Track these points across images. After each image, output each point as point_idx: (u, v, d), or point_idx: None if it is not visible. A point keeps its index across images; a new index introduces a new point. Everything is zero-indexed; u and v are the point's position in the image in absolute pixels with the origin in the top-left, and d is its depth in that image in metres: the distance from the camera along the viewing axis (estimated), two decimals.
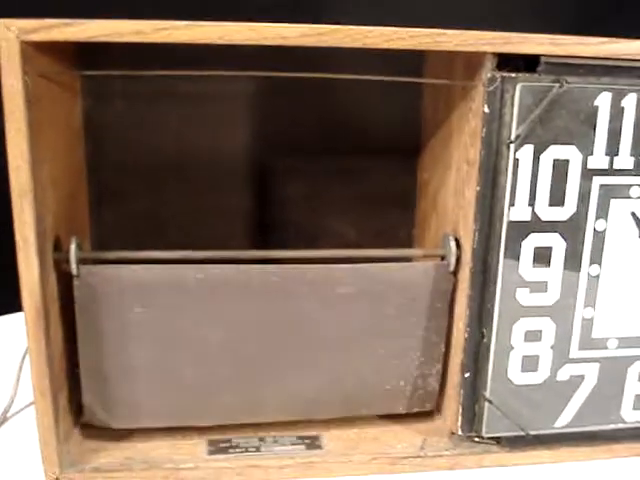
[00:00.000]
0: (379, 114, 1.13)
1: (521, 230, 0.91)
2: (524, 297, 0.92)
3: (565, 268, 0.93)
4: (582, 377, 0.97)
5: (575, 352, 0.96)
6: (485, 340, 0.94)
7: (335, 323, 0.95)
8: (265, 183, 1.15)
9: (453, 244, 0.96)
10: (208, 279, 0.92)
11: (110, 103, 1.09)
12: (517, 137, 0.87)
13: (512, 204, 0.89)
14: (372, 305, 0.95)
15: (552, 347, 0.95)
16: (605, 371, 0.97)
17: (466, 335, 0.94)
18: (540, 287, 0.93)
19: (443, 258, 0.97)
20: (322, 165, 1.13)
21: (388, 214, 1.15)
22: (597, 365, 0.97)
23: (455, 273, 0.96)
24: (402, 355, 0.98)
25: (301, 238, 1.13)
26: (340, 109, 1.12)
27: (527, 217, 0.90)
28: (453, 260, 0.95)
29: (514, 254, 0.91)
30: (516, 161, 0.88)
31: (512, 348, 0.94)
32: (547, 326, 0.94)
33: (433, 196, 1.08)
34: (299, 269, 0.93)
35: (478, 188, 0.90)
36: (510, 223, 0.90)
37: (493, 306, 0.92)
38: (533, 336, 0.94)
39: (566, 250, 0.92)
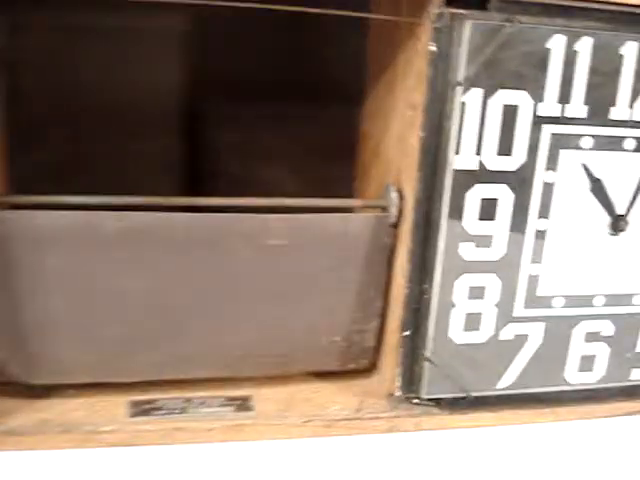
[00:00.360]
0: (321, 57, 1.06)
1: (467, 180, 0.85)
2: (468, 252, 0.87)
3: (512, 222, 0.87)
4: (526, 337, 0.92)
5: (520, 310, 0.91)
6: (426, 296, 0.88)
7: (266, 276, 0.88)
8: (196, 128, 1.07)
9: (395, 195, 0.89)
10: (128, 227, 0.84)
11: (26, 39, 0.99)
12: (465, 79, 0.81)
13: (458, 152, 0.83)
14: (306, 258, 0.88)
15: (496, 305, 0.90)
16: (550, 331, 0.93)
17: (406, 291, 0.89)
18: (485, 242, 0.87)
19: (384, 210, 0.91)
20: (258, 111, 1.06)
21: (328, 164, 1.09)
22: (542, 325, 0.92)
23: (396, 226, 0.90)
24: (337, 310, 0.92)
25: (234, 188, 1.05)
26: (279, 49, 1.05)
27: (473, 166, 0.84)
28: (394, 212, 0.89)
29: (458, 206, 0.85)
30: (463, 105, 0.82)
31: (454, 305, 0.89)
32: (491, 283, 0.89)
33: (375, 145, 1.01)
34: (228, 218, 0.85)
35: (422, 134, 0.83)
36: (455, 172, 0.84)
37: (435, 261, 0.87)
38: (476, 293, 0.89)
39: (514, 203, 0.86)
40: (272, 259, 0.87)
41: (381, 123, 0.99)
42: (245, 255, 0.87)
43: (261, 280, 0.88)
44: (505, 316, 0.91)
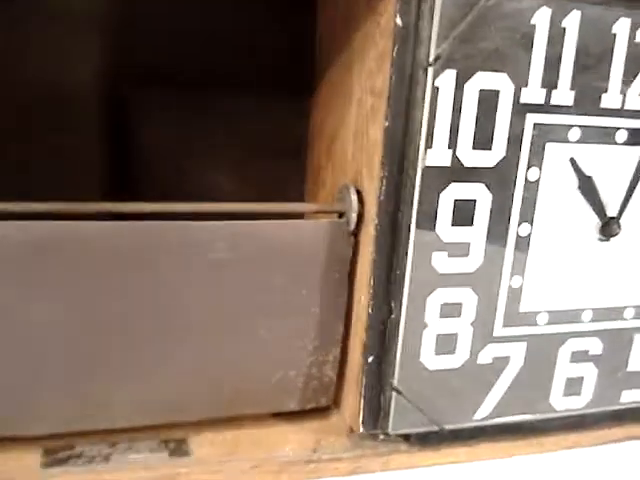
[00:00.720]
0: (263, 40, 0.91)
1: (439, 178, 0.72)
2: (441, 263, 0.74)
3: (490, 227, 0.74)
4: (507, 359, 0.79)
5: (499, 329, 0.78)
6: (393, 316, 0.75)
7: (203, 298, 0.73)
8: (120, 123, 0.91)
9: (354, 197, 0.76)
10: (33, 239, 0.68)
11: None
12: (436, 59, 0.68)
13: (429, 146, 0.70)
14: (251, 274, 0.74)
15: (473, 324, 0.77)
16: (533, 351, 0.80)
17: (370, 310, 0.75)
18: (460, 250, 0.74)
19: (341, 215, 0.77)
20: (191, 103, 0.91)
21: (274, 164, 0.95)
22: (524, 345, 0.79)
23: (356, 234, 0.77)
24: (291, 338, 0.78)
25: (166, 192, 0.91)
26: (212, 31, 0.90)
27: (447, 162, 0.71)
28: (354, 217, 0.75)
29: (430, 209, 0.72)
30: (435, 90, 0.69)
31: (426, 326, 0.75)
32: (467, 298, 0.76)
33: (329, 141, 0.88)
34: (156, 227, 0.70)
35: (387, 124, 0.70)
36: (426, 169, 0.71)
37: (403, 274, 0.73)
38: (451, 311, 0.76)
39: (492, 204, 0.74)
40: (210, 277, 0.73)
41: (336, 114, 0.85)
42: (176, 272, 0.72)
43: (197, 303, 0.73)
44: (483, 336, 0.78)
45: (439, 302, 0.75)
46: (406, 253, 0.73)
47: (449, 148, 0.71)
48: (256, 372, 0.78)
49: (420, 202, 0.71)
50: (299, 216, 0.90)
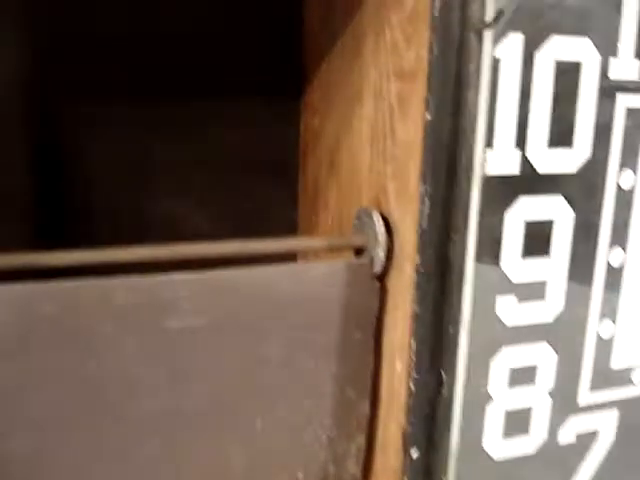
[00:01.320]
0: (234, 33, 0.69)
1: (505, 192, 0.50)
2: (509, 311, 0.52)
3: (573, 256, 0.53)
4: (594, 435, 0.57)
5: (585, 395, 0.56)
6: (445, 391, 0.52)
7: (166, 383, 0.50)
8: (54, 145, 0.68)
9: (379, 226, 0.53)
10: None
11: None
12: (496, 17, 0.46)
13: (489, 144, 0.49)
14: (237, 345, 0.51)
15: (551, 392, 0.55)
16: (627, 421, 0.59)
17: (411, 384, 0.52)
18: (534, 292, 0.52)
19: (360, 252, 0.55)
20: (145, 115, 0.68)
21: (255, 185, 0.72)
22: (615, 413, 0.58)
23: (382, 277, 0.54)
24: (297, 428, 0.54)
25: (118, 231, 0.68)
26: (171, 23, 0.67)
27: (514, 168, 0.49)
28: (380, 255, 0.53)
29: (492, 236, 0.50)
30: (495, 63, 0.47)
31: (489, 400, 0.53)
32: (544, 357, 0.54)
33: (330, 151, 0.66)
34: (98, 286, 0.47)
35: (428, 117, 0.48)
36: (487, 180, 0.49)
37: (457, 331, 0.51)
38: (523, 377, 0.54)
39: (575, 224, 0.52)
40: (174, 353, 0.50)
41: (338, 116, 0.63)
42: (129, 348, 0.48)
43: (158, 391, 0.50)
44: (565, 407, 0.56)
45: (507, 366, 0.53)
46: (461, 300, 0.51)
47: (517, 147, 0.49)
48: (251, 478, 0.54)
49: (480, 227, 0.49)
50: (291, 257, 0.68)
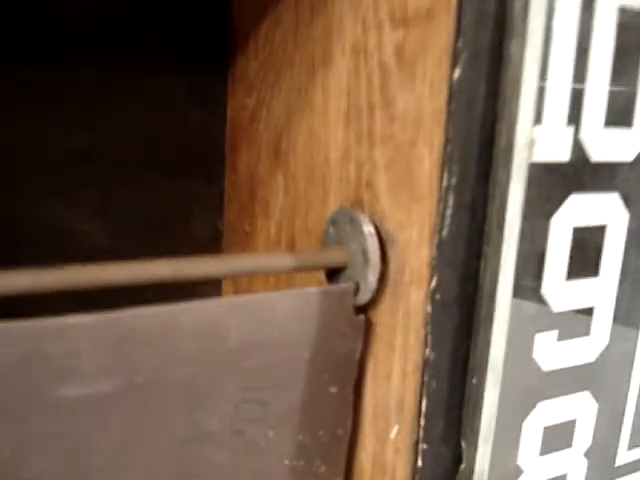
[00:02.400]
0: None
1: (553, 187, 0.35)
2: (548, 352, 0.37)
3: (623, 273, 0.39)
4: None
5: (623, 454, 0.43)
6: (464, 467, 0.37)
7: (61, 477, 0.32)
8: None
9: (370, 234, 0.37)
10: None
11: None
12: None
13: (538, 118, 0.34)
14: (164, 416, 0.34)
15: (587, 453, 0.41)
16: None
17: (418, 459, 0.37)
18: (579, 325, 0.38)
19: (333, 274, 0.39)
20: (12, 87, 0.48)
21: (165, 186, 0.53)
22: None
23: (366, 308, 0.38)
24: None
25: None
26: None
27: (565, 154, 0.35)
28: (372, 277, 0.37)
29: (534, 249, 0.35)
30: (550, 3, 0.33)
31: (520, 473, 0.38)
32: (584, 410, 0.39)
33: (274, 139, 0.49)
34: None
35: (457, 74, 0.33)
36: (533, 169, 0.34)
37: (484, 382, 0.36)
38: (558, 438, 0.39)
39: (629, 231, 0.39)
40: (76, 434, 0.31)
41: (288, 87, 0.46)
42: (5, 431, 0.30)
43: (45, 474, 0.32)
44: (601, 471, 0.42)
45: (541, 425, 0.38)
46: (490, 340, 0.35)
47: (570, 124, 0.35)
48: None
49: (522, 236, 0.35)
50: (214, 284, 0.51)
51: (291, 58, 0.45)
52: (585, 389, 0.39)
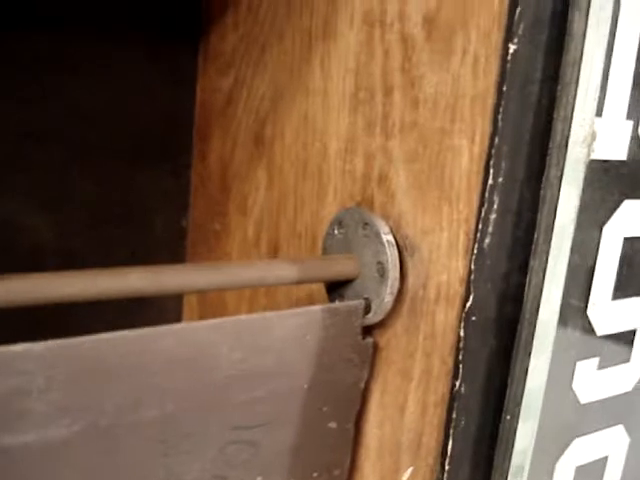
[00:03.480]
0: None
1: (608, 190, 0.30)
2: (588, 382, 0.32)
3: None
4: None
5: None
6: None
7: None
8: None
9: (388, 240, 0.30)
10: None
11: None
12: None
13: (599, 110, 0.28)
14: (130, 466, 0.26)
15: None
16: None
17: None
18: (619, 350, 0.33)
19: (333, 290, 0.32)
20: None
21: (123, 177, 0.45)
22: None
23: (371, 330, 0.32)
24: None
25: None
26: None
27: (621, 150, 0.29)
28: (389, 299, 0.30)
29: (584, 263, 0.30)
30: None
31: None
32: (616, 446, 0.34)
33: (255, 125, 0.42)
34: None
35: (513, 48, 0.26)
36: (591, 167, 0.28)
37: (517, 419, 0.30)
38: (590, 477, 0.34)
39: None
40: (30, 478, 0.24)
41: (275, 64, 0.39)
42: None
43: None
44: None
45: (573, 465, 0.33)
46: (527, 369, 0.30)
47: (629, 118, 0.29)
48: None
49: (573, 247, 0.29)
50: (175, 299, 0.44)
51: (281, 30, 0.39)
52: (619, 422, 0.34)
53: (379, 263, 0.30)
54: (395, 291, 0.30)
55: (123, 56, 0.45)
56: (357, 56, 0.34)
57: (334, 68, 0.35)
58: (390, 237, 0.30)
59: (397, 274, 0.30)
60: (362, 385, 0.32)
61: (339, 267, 0.31)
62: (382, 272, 0.30)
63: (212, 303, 0.45)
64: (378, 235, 0.30)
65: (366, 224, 0.31)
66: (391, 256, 0.30)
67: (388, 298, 0.30)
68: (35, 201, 0.43)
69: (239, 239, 0.44)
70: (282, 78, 0.39)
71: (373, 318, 0.31)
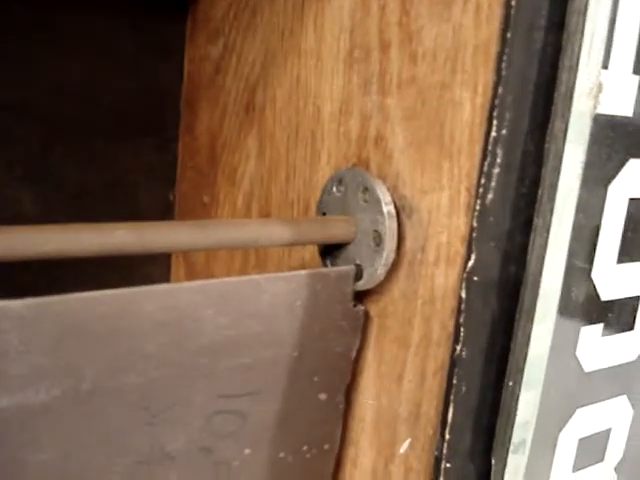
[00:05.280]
0: None
1: (614, 148, 0.28)
2: (592, 348, 0.30)
3: None
4: None
5: None
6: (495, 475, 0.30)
7: None
8: None
9: (386, 200, 0.29)
10: None
11: None
12: None
13: (605, 62, 0.27)
14: (114, 435, 0.25)
15: (618, 467, 0.34)
16: None
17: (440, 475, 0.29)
18: (623, 316, 0.31)
19: (327, 251, 0.31)
20: None
21: (107, 148, 0.44)
22: None
23: (367, 294, 0.31)
24: None
25: None
26: None
27: (628, 106, 0.28)
28: (381, 271, 0.29)
29: (589, 224, 0.28)
30: None
31: None
32: (620, 418, 0.33)
33: (246, 92, 0.40)
34: None
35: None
36: (597, 122, 0.27)
37: (520, 386, 0.29)
38: (592, 451, 0.33)
39: None
40: (7, 444, 0.23)
41: (267, 28, 0.37)
42: None
43: None
44: None
45: (576, 437, 0.32)
46: (530, 334, 0.28)
47: (636, 72, 0.28)
48: None
49: (578, 206, 0.27)
50: (160, 264, 0.43)
51: None
52: (623, 393, 0.33)
53: (376, 232, 0.29)
54: (390, 262, 0.29)
55: (106, 26, 0.44)
56: (352, 14, 0.32)
57: (328, 27, 0.33)
58: (391, 207, 0.28)
59: (394, 246, 0.28)
60: (353, 354, 0.31)
61: (335, 229, 0.29)
62: (378, 242, 0.29)
63: (200, 274, 0.44)
64: (378, 203, 0.28)
65: (366, 189, 0.29)
66: (389, 227, 0.28)
67: (381, 270, 0.29)
68: (19, 174, 0.42)
69: (228, 211, 0.42)
70: (273, 41, 0.37)
71: (365, 285, 0.30)
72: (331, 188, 0.31)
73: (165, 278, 0.49)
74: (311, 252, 0.35)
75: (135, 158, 0.46)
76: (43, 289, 0.26)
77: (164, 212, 0.47)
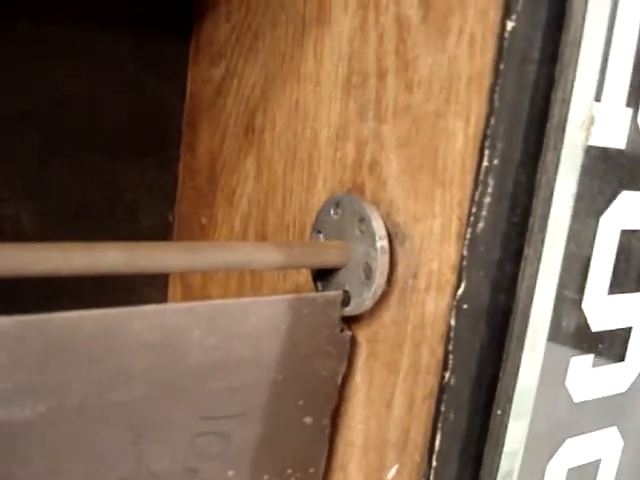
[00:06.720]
0: None
1: (606, 180, 0.28)
2: (582, 379, 0.30)
3: None
4: None
5: None
6: None
7: None
8: None
9: (379, 227, 0.29)
10: None
11: None
12: None
13: (598, 95, 0.27)
14: (98, 454, 0.25)
15: None
16: None
17: None
18: (614, 347, 0.31)
19: (323, 276, 0.31)
20: None
21: (107, 168, 0.44)
22: None
23: (356, 320, 0.30)
24: None
25: None
26: None
27: (621, 139, 0.28)
28: (368, 303, 0.29)
29: (580, 254, 0.29)
30: None
31: None
32: (610, 448, 0.33)
33: (245, 115, 0.40)
34: None
35: (511, 25, 0.25)
36: (589, 154, 0.27)
37: (508, 415, 0.29)
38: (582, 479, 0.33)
39: None
40: None
41: (267, 52, 0.37)
42: None
43: None
44: None
45: (565, 467, 0.31)
46: (519, 363, 0.28)
47: (629, 105, 0.28)
48: None
49: (569, 236, 0.27)
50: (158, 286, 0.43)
51: (274, 18, 0.37)
52: (613, 424, 0.33)
53: (367, 264, 0.29)
54: (378, 295, 0.29)
55: (110, 43, 0.44)
56: (351, 41, 0.32)
57: (327, 54, 0.34)
58: (385, 243, 0.28)
59: (383, 281, 0.28)
60: (339, 379, 0.31)
61: (327, 255, 0.29)
62: (369, 275, 0.29)
63: (197, 296, 0.44)
64: (372, 237, 0.28)
65: (362, 219, 0.29)
66: (381, 263, 0.28)
67: (369, 302, 0.29)
68: (17, 191, 0.42)
69: (226, 232, 0.42)
70: (274, 66, 0.38)
71: (352, 312, 0.30)
72: (329, 210, 0.31)
73: (162, 299, 0.49)
74: (305, 276, 0.35)
75: (136, 176, 0.46)
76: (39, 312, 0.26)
77: (164, 232, 0.47)
